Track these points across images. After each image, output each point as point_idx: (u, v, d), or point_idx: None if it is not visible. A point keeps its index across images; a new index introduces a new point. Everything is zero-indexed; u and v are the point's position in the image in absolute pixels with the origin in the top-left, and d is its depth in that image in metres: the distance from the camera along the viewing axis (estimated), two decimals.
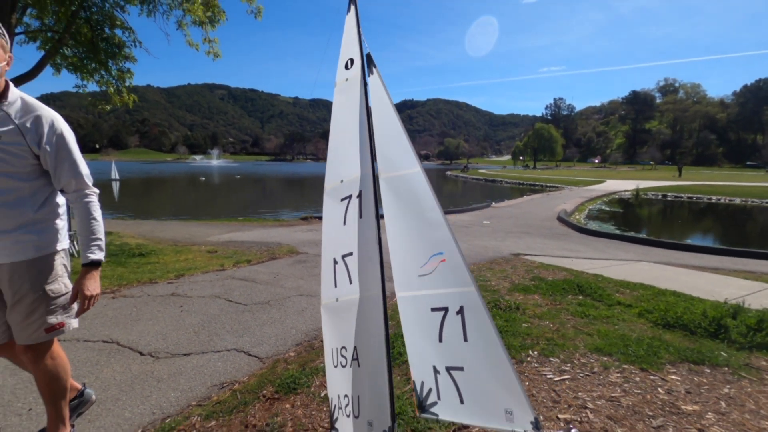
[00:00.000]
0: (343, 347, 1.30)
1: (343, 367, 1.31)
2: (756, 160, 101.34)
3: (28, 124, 1.69)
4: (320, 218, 2.51)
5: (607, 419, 2.17)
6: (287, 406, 2.37)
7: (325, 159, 1.51)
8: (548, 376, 2.64)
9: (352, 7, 1.55)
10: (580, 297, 4.40)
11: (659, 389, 2.48)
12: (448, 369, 1.18)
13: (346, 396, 1.30)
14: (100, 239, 1.84)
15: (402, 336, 1.80)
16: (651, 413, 2.22)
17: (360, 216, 1.28)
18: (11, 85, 1.71)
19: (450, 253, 1.18)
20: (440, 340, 1.18)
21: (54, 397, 1.90)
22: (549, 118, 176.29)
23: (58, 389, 1.91)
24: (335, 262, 1.36)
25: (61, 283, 1.87)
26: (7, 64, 1.68)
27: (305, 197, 27.94)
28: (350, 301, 1.30)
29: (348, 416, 1.29)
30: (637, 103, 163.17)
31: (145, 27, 8.52)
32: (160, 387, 2.62)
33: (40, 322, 1.81)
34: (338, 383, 1.34)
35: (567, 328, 3.46)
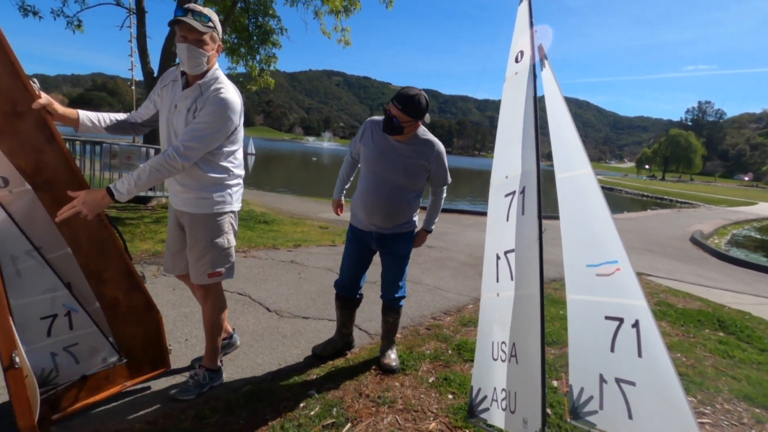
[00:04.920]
0: (503, 342, 1.32)
1: (503, 361, 1.34)
2: None
3: (205, 98, 1.94)
4: (425, 209, 2.60)
5: None
6: (396, 384, 2.47)
7: None
8: None
9: None
10: (721, 334, 3.81)
11: None
12: (618, 381, 1.12)
13: (503, 390, 1.32)
14: (132, 177, 1.83)
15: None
16: None
17: (522, 213, 1.26)
18: (215, 67, 2.01)
19: (623, 262, 1.11)
20: (612, 350, 1.14)
21: (212, 332, 2.25)
22: (689, 123, 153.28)
23: (217, 326, 2.25)
24: (498, 258, 1.38)
25: (226, 238, 2.18)
26: (216, 51, 1.98)
27: None
28: (510, 297, 1.31)
29: (504, 409, 1.32)
30: None
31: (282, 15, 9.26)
32: (284, 342, 2.92)
33: (206, 267, 2.14)
34: (496, 376, 1.37)
35: (705, 366, 3.04)
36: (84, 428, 1.91)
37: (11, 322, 1.44)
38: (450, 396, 2.36)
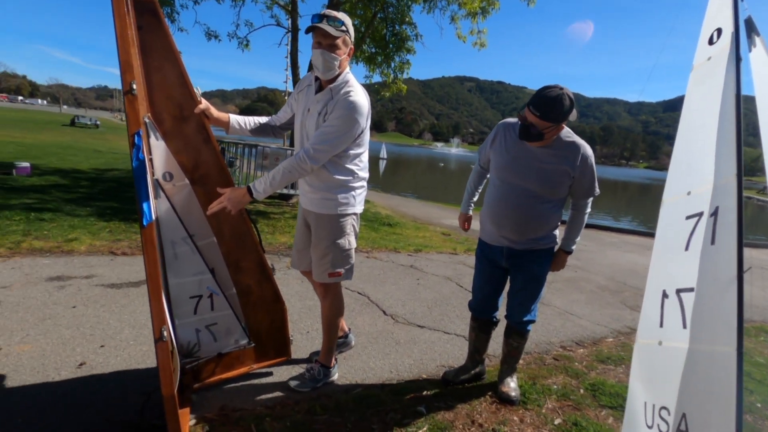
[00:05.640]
0: (663, 407, 1.02)
1: None
2: None
3: (335, 101, 1.97)
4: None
5: None
6: (515, 418, 2.20)
7: None
8: None
9: None
10: None
11: None
12: None
13: None
14: (268, 177, 1.98)
15: None
16: None
17: (712, 242, 0.94)
18: (346, 71, 2.04)
19: None
20: None
21: (329, 330, 2.29)
22: None
23: (333, 324, 2.29)
24: (665, 296, 1.07)
25: (347, 240, 2.20)
26: (348, 55, 2.01)
27: None
28: (679, 350, 1.00)
29: None
30: None
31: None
32: (397, 349, 2.86)
33: (327, 266, 2.18)
34: None
35: None
36: (215, 401, 2.11)
37: (164, 301, 1.64)
38: None
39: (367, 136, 2.12)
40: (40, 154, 12.11)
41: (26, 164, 8.03)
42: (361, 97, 1.98)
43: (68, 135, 24.03)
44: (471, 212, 2.62)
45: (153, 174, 1.80)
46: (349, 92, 1.96)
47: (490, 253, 2.32)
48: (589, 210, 2.25)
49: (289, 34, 8.86)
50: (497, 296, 2.40)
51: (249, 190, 1.96)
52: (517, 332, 2.36)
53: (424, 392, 2.36)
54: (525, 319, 2.30)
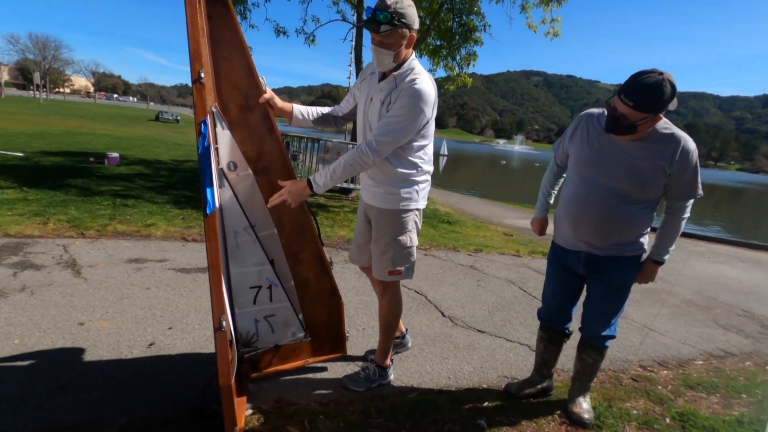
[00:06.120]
0: None
1: None
2: None
3: (399, 89, 1.85)
4: None
5: None
6: None
7: None
8: None
9: None
10: None
11: None
12: None
13: None
14: (328, 171, 1.92)
15: None
16: None
17: None
18: (410, 58, 1.90)
19: None
20: None
21: (386, 329, 2.21)
22: None
23: (391, 323, 2.20)
24: None
25: (409, 237, 2.09)
26: (407, 44, 1.84)
27: None
28: None
29: None
30: None
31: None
32: (456, 354, 2.71)
33: (388, 263, 2.09)
34: None
35: None
36: (272, 392, 2.10)
37: (224, 290, 1.63)
38: None
39: (432, 127, 1.99)
40: (128, 145, 13.31)
41: (116, 155, 8.82)
42: (427, 85, 1.84)
43: (153, 129, 26.27)
44: (547, 216, 2.35)
45: (218, 163, 1.81)
46: (414, 80, 1.83)
47: (565, 258, 2.09)
48: (687, 215, 1.94)
49: (354, 29, 8.90)
50: (571, 306, 2.17)
51: (309, 183, 1.91)
52: (593, 348, 2.11)
53: (485, 403, 2.20)
54: (603, 333, 2.05)
